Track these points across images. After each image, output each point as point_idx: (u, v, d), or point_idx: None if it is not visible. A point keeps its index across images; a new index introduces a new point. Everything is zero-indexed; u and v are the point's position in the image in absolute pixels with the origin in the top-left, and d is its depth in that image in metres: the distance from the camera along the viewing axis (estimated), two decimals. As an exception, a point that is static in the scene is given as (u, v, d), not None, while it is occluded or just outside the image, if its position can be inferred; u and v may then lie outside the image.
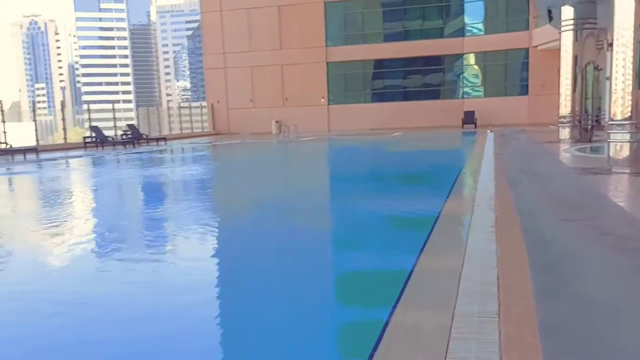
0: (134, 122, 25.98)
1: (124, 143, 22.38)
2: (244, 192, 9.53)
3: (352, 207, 7.33)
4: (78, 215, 7.79)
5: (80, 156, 18.64)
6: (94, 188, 11.11)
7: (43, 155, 18.53)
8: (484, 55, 29.90)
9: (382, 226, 6.31)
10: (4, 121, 20.81)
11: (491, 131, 21.67)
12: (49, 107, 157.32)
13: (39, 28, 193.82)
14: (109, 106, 29.20)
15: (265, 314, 3.45)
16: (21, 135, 21.91)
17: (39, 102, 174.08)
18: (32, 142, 21.37)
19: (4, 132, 20.48)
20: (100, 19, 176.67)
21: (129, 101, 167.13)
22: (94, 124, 23.83)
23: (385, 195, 8.56)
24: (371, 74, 31.97)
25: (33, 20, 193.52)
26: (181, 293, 3.93)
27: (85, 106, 34.62)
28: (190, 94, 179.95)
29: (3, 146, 18.81)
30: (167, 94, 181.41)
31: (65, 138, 24.24)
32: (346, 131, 28.73)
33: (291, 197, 8.91)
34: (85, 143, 21.94)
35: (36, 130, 22.33)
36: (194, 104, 41.29)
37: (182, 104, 38.54)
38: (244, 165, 16.01)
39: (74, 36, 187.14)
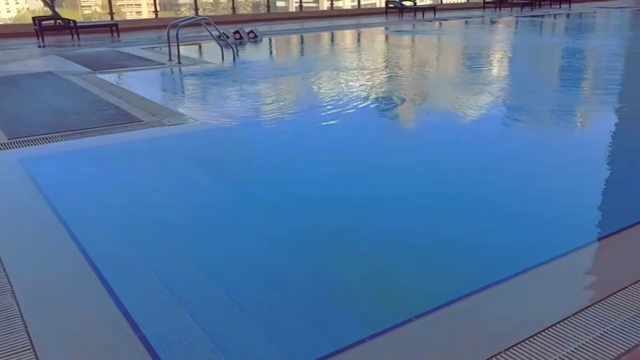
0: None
1: (522, 5, 21.18)
2: None
3: None
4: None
5: (479, 16, 18.81)
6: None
7: (441, 14, 19.42)
8: None
9: None
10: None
11: None
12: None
13: None
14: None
15: None
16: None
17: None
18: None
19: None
20: None
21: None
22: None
23: None
24: None
25: None
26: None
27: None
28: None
29: (409, 4, 20.45)
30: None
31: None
32: None
33: None
34: (485, 3, 21.75)
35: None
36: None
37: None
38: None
39: None
